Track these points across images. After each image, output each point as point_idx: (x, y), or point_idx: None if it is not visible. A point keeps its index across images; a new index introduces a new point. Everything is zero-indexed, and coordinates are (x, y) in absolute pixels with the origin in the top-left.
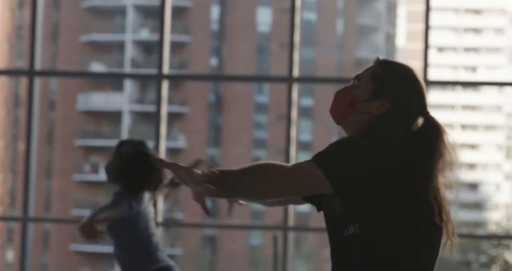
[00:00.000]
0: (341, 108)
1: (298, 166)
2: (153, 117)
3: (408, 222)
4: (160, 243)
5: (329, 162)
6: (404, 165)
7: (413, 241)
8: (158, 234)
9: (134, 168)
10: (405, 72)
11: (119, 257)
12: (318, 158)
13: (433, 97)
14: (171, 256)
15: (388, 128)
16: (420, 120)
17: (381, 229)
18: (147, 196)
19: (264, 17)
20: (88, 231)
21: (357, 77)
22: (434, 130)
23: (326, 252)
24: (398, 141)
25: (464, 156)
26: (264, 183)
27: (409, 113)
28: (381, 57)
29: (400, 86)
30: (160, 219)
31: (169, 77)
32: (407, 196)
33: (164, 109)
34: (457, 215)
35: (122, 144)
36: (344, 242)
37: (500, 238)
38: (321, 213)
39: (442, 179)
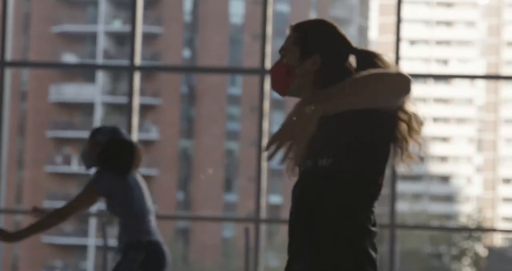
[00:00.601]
0: (281, 80)
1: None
2: (126, 109)
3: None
4: (154, 219)
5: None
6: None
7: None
8: (152, 210)
9: (114, 153)
10: (318, 24)
11: (120, 228)
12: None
13: None
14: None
15: (331, 77)
16: (353, 58)
17: (347, 160)
18: (135, 175)
19: (237, 9)
20: (60, 219)
21: (282, 48)
22: (370, 59)
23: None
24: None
25: (436, 148)
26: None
27: (340, 56)
28: (292, 23)
29: (321, 37)
30: None
31: (141, 68)
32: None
33: (136, 101)
34: (429, 208)
35: (97, 131)
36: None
37: (471, 231)
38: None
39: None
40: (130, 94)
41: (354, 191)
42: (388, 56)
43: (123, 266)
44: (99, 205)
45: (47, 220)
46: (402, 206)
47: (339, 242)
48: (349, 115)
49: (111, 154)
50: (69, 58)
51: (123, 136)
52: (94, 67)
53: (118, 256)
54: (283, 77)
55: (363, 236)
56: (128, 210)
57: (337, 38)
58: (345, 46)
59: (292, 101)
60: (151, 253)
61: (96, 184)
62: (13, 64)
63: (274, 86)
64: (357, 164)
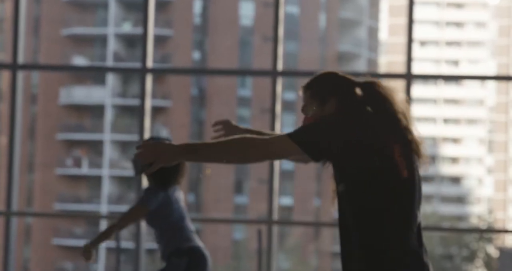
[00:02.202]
0: None
1: (273, 138)
2: (136, 111)
3: (376, 178)
4: (191, 226)
5: (300, 134)
6: (364, 129)
7: (382, 195)
8: (188, 218)
9: (164, 167)
10: (323, 76)
11: (159, 243)
12: (292, 133)
13: (415, 91)
14: (154, 251)
15: (347, 109)
16: (359, 90)
17: (358, 186)
18: (175, 187)
19: (247, 11)
20: (86, 253)
21: (303, 106)
22: (373, 88)
23: (310, 246)
24: (355, 110)
25: (447, 149)
26: (238, 148)
27: (348, 92)
28: (302, 85)
29: (329, 83)
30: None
31: (153, 71)
32: (372, 155)
33: (148, 103)
34: (440, 209)
35: (150, 140)
36: (340, 198)
37: (482, 232)
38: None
39: (409, 134)
40: (142, 96)
41: (367, 206)
42: (387, 83)
43: None
44: (110, 207)
45: (112, 228)
46: None
47: (374, 250)
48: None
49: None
50: (79, 60)
51: None
52: (106, 70)
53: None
54: None
55: (398, 241)
56: (167, 222)
57: (341, 79)
58: (350, 82)
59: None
60: (194, 258)
61: (147, 202)
62: (25, 67)
63: None
64: (362, 184)
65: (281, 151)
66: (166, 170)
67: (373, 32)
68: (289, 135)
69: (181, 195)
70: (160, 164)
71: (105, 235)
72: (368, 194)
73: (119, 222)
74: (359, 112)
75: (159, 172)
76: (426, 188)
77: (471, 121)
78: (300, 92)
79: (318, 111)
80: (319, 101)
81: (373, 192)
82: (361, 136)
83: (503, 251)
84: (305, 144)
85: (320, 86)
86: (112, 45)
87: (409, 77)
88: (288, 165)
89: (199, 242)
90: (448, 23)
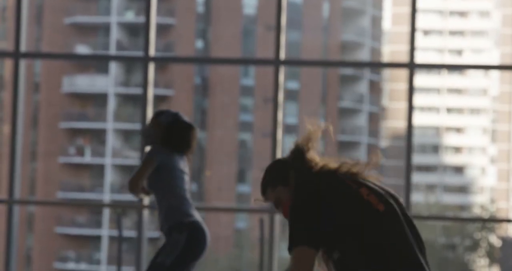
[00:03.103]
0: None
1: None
2: (138, 100)
3: (359, 227)
4: (191, 199)
5: (299, 238)
6: (324, 198)
7: (371, 239)
8: (190, 192)
9: (175, 134)
10: (265, 173)
11: (160, 208)
12: (296, 242)
13: (419, 80)
14: (156, 239)
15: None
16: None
17: (348, 248)
18: (183, 157)
19: (250, 0)
20: (133, 186)
21: (275, 203)
22: (304, 165)
23: None
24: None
25: (450, 139)
26: None
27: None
28: (258, 198)
29: (275, 172)
30: (147, 202)
31: (155, 59)
32: (345, 213)
33: (151, 92)
34: (443, 198)
35: (160, 112)
36: (336, 266)
37: (484, 221)
38: None
39: (364, 174)
40: (144, 85)
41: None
42: (314, 155)
43: (168, 249)
44: (112, 196)
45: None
46: (416, 197)
47: None
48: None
49: (174, 134)
50: (82, 49)
51: (184, 119)
52: (109, 59)
53: (163, 238)
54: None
55: None
56: (168, 186)
57: (281, 162)
58: (283, 165)
59: (305, 95)
60: (194, 233)
61: (154, 154)
62: (28, 55)
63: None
64: (347, 246)
65: (310, 262)
66: (181, 134)
67: (376, 21)
68: (296, 246)
69: (187, 168)
70: None
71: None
72: (361, 253)
73: (133, 178)
74: (310, 188)
75: (174, 137)
76: (429, 177)
77: (474, 111)
78: (263, 201)
79: (287, 194)
80: (282, 187)
81: (366, 244)
82: (335, 209)
83: (505, 240)
84: (315, 242)
85: (272, 179)
86: (115, 34)
87: (412, 66)
88: None
89: (198, 217)
90: (452, 13)
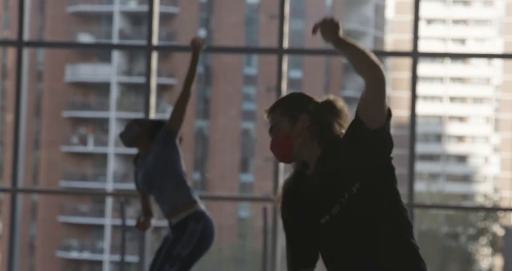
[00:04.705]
0: (284, 147)
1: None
2: (141, 89)
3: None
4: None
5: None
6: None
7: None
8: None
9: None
10: (289, 96)
11: (167, 199)
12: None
13: (422, 69)
14: (160, 228)
15: (323, 126)
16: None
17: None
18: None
19: None
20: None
21: (271, 126)
22: (331, 106)
23: None
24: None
25: (453, 128)
26: (374, 63)
27: (319, 108)
28: (266, 108)
29: (297, 101)
30: None
31: (158, 48)
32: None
33: (154, 81)
34: (446, 187)
35: (137, 119)
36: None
37: (488, 210)
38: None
39: None
40: (147, 74)
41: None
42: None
43: (184, 239)
44: (115, 185)
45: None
46: (419, 186)
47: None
48: None
49: (156, 131)
50: (84, 38)
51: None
52: (112, 47)
53: (174, 230)
54: (285, 144)
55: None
56: (180, 171)
57: (304, 96)
58: (313, 100)
59: (308, 84)
60: (207, 224)
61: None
62: (31, 44)
63: (281, 156)
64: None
65: (384, 90)
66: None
67: (379, 10)
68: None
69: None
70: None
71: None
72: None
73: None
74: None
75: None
76: (432, 166)
77: (477, 100)
78: (265, 115)
79: (288, 129)
80: (289, 119)
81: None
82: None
83: (508, 229)
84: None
85: (291, 103)
86: (118, 23)
87: (415, 55)
88: None
89: (202, 205)
90: (455, 1)
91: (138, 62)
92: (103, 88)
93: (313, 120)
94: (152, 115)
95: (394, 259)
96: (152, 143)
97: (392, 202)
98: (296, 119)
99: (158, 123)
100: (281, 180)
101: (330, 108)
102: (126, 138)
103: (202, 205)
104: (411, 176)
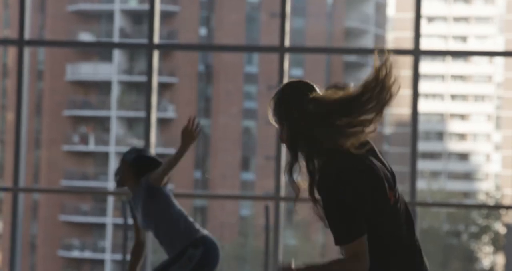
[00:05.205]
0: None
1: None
2: (142, 88)
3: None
4: (189, 215)
5: (346, 232)
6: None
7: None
8: (187, 213)
9: (138, 171)
10: (279, 91)
11: (165, 241)
12: (341, 238)
13: (423, 67)
14: None
15: (312, 138)
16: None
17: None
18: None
19: None
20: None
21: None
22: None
23: (316, 223)
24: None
25: (454, 126)
26: None
27: (309, 109)
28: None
29: (282, 103)
30: None
31: (159, 47)
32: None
33: (155, 79)
34: (447, 185)
35: (127, 152)
36: None
37: (489, 208)
38: None
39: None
40: (149, 73)
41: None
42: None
43: (183, 261)
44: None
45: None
46: (420, 184)
47: None
48: None
49: (137, 171)
50: (85, 37)
51: (147, 154)
52: (113, 46)
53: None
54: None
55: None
56: (170, 213)
57: (301, 92)
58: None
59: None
60: (208, 247)
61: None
62: (32, 43)
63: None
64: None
65: (363, 249)
66: (139, 174)
67: (380, 8)
68: (344, 242)
69: (171, 193)
70: None
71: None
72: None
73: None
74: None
75: (139, 173)
76: (434, 164)
77: (478, 98)
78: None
79: (280, 129)
80: (277, 121)
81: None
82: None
83: (510, 227)
84: (360, 233)
85: (275, 106)
86: (118, 22)
87: (417, 53)
88: None
89: (203, 230)
90: None
91: (139, 61)
92: (103, 87)
93: (294, 131)
94: (154, 114)
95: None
96: (139, 184)
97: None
98: (281, 125)
99: (143, 164)
100: (282, 179)
101: (328, 108)
102: (115, 179)
103: (202, 232)
104: (413, 174)
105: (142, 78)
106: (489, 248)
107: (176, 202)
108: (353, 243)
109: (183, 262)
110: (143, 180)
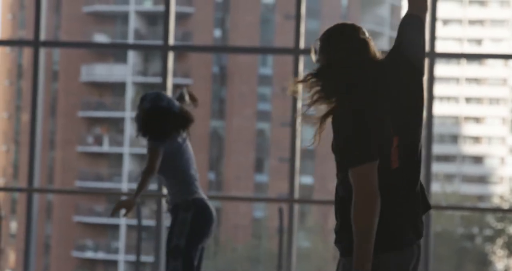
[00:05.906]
0: None
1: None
2: (157, 89)
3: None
4: (196, 175)
5: (356, 156)
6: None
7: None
8: (195, 166)
9: (151, 122)
10: (327, 34)
11: (168, 190)
12: (352, 161)
13: (438, 70)
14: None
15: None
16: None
17: None
18: (181, 134)
19: None
20: (126, 206)
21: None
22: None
23: (330, 225)
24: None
25: (469, 129)
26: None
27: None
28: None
29: (333, 42)
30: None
31: (174, 48)
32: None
33: (170, 80)
34: (461, 189)
35: (143, 98)
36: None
37: (504, 212)
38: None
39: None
40: (164, 74)
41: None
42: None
43: (177, 230)
44: (130, 185)
45: (142, 180)
46: (434, 187)
47: None
48: None
49: (149, 123)
50: (100, 38)
51: (164, 102)
52: (128, 47)
53: (169, 217)
54: None
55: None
56: (174, 172)
57: (350, 36)
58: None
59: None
60: (199, 210)
61: (155, 145)
62: (47, 44)
63: None
64: None
65: (373, 174)
66: (155, 123)
67: (395, 10)
68: (355, 165)
69: (186, 142)
70: None
71: (141, 186)
72: None
73: (146, 169)
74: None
75: (149, 126)
76: (448, 167)
77: (493, 101)
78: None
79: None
80: (319, 59)
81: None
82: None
83: None
84: (371, 156)
85: (323, 43)
86: (133, 23)
87: (432, 56)
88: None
89: (203, 194)
90: (471, 1)
91: (153, 62)
92: (118, 88)
93: (336, 65)
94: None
95: None
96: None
97: None
98: (324, 60)
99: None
100: (297, 180)
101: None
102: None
103: (197, 194)
104: (428, 177)
105: (157, 80)
106: (503, 252)
107: (187, 158)
108: (362, 166)
109: (177, 229)
110: (156, 140)
